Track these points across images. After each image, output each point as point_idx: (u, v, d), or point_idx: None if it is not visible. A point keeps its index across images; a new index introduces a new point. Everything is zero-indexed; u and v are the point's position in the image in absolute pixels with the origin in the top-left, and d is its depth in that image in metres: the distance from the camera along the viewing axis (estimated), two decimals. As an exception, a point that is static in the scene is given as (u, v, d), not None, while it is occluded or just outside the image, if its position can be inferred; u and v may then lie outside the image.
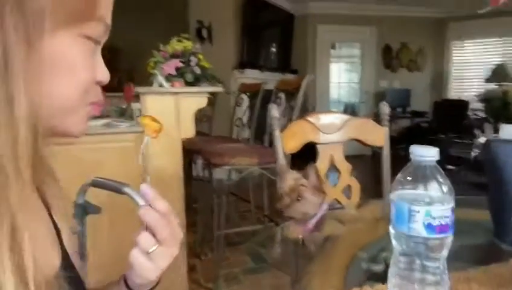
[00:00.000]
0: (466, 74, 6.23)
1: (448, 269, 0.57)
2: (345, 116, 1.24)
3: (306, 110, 5.25)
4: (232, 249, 2.39)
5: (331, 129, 1.21)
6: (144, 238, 0.42)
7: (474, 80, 6.05)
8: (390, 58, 6.28)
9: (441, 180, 0.43)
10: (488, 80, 4.84)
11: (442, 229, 0.42)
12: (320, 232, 0.97)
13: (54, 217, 0.46)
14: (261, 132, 2.45)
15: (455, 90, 6.30)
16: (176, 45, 2.17)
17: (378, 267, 0.60)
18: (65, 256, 0.45)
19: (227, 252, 2.34)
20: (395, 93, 6.20)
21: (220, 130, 3.23)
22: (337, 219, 1.11)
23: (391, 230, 0.46)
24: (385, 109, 1.27)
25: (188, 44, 2.17)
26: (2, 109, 0.32)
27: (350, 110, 6.30)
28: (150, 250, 0.42)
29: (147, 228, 0.42)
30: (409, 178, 0.45)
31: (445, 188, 0.43)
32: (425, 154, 0.44)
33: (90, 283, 0.52)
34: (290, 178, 1.00)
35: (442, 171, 0.44)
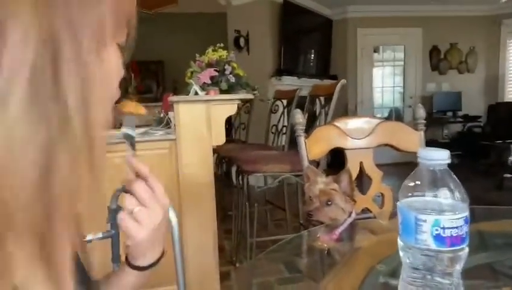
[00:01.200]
0: (524, 74, 5.73)
1: (481, 287, 0.51)
2: (375, 120, 1.18)
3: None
4: (266, 257, 2.36)
5: (359, 134, 1.15)
6: (128, 200, 0.46)
7: (534, 81, 5.55)
8: (438, 60, 5.95)
9: (452, 186, 0.39)
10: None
11: (453, 241, 0.38)
12: (347, 241, 0.93)
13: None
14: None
15: (511, 93, 5.81)
16: (211, 54, 2.23)
17: (395, 282, 0.55)
18: (76, 258, 0.46)
19: (262, 260, 2.31)
20: (444, 96, 5.86)
21: (256, 137, 3.23)
22: (368, 229, 1.05)
23: (399, 241, 0.42)
24: (420, 112, 1.19)
25: (223, 53, 2.21)
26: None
27: (395, 115, 6.05)
28: (135, 209, 0.46)
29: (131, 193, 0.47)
30: (417, 184, 0.41)
31: (457, 195, 0.39)
32: (436, 157, 0.39)
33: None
34: (321, 182, 0.97)
35: (454, 176, 0.39)
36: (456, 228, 0.37)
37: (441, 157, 0.39)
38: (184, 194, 1.70)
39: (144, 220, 0.46)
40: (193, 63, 2.24)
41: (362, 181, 1.18)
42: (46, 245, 0.30)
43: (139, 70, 4.43)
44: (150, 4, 2.96)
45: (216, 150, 2.38)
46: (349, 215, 0.95)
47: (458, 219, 0.37)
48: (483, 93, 5.99)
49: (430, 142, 5.76)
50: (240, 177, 2.23)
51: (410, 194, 0.41)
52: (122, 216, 0.46)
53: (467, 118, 5.68)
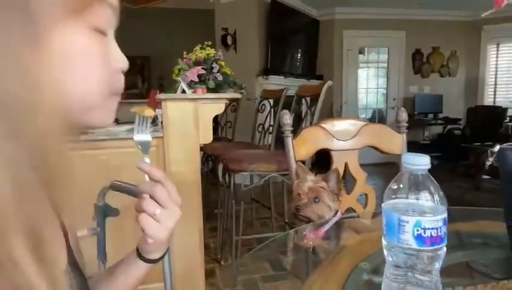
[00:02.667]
0: (502, 79, 5.93)
1: (458, 284, 0.55)
2: (360, 123, 1.21)
3: (331, 117, 5.19)
4: (251, 255, 2.38)
5: (345, 136, 1.19)
6: (149, 204, 0.49)
7: (511, 86, 5.75)
8: (420, 63, 6.09)
9: (433, 189, 0.42)
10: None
11: (433, 240, 0.40)
12: (332, 240, 0.96)
13: (63, 219, 0.48)
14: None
15: (490, 96, 6.01)
16: (199, 52, 2.22)
17: (379, 279, 0.58)
18: (71, 257, 0.46)
19: (247, 258, 2.34)
20: (425, 99, 6.01)
21: (243, 135, 3.25)
22: (352, 228, 1.09)
23: (383, 241, 0.45)
24: (403, 115, 1.24)
25: (211, 51, 2.21)
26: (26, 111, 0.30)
27: (378, 116, 6.16)
28: (156, 212, 0.48)
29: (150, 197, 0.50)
30: (401, 187, 0.43)
31: (437, 198, 0.41)
32: (418, 162, 0.42)
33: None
34: (310, 179, 1.00)
35: (434, 180, 0.42)
36: (436, 228, 0.40)
37: (422, 162, 0.41)
38: (171, 192, 1.71)
39: (165, 221, 0.49)
40: (181, 61, 2.24)
41: (346, 181, 1.21)
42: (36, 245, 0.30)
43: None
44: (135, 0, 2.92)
45: (202, 148, 2.39)
46: (335, 214, 0.98)
47: (438, 220, 0.40)
48: (464, 96, 6.17)
49: (412, 144, 5.86)
50: (226, 175, 2.25)
51: (393, 196, 0.43)
52: (144, 218, 0.49)
53: (447, 120, 5.84)
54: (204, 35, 2.58)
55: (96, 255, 1.15)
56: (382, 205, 0.44)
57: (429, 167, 0.42)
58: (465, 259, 0.70)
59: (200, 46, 2.24)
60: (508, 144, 0.67)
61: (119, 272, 0.56)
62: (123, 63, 0.42)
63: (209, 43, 2.26)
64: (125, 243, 1.66)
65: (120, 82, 0.42)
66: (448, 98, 5.98)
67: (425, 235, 0.40)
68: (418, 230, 0.40)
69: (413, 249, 0.41)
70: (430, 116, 5.98)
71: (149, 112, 0.52)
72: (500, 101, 5.76)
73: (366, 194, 1.21)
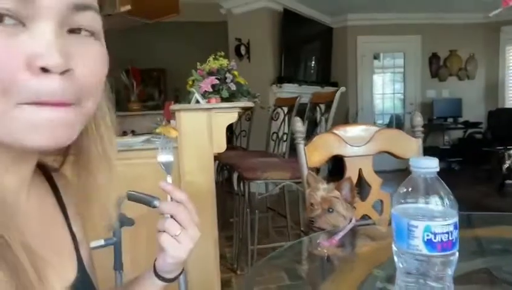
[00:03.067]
0: (524, 80, 5.75)
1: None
2: (374, 128, 1.19)
3: (347, 123, 5.14)
4: (268, 264, 2.36)
5: (358, 142, 1.17)
6: (171, 224, 0.50)
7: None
8: (437, 66, 5.99)
9: (442, 193, 0.40)
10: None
11: (444, 246, 0.39)
12: (346, 247, 0.94)
13: (74, 229, 0.49)
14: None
15: (512, 99, 5.83)
16: (213, 63, 2.26)
17: (392, 287, 0.57)
18: (82, 268, 0.47)
19: (263, 267, 2.32)
20: (444, 103, 5.88)
21: (257, 144, 3.25)
22: (367, 235, 1.07)
23: (393, 247, 0.43)
24: (418, 119, 1.21)
25: (224, 62, 2.24)
26: None
27: (396, 121, 6.07)
28: (177, 233, 0.49)
29: (171, 217, 0.50)
30: (409, 191, 0.42)
31: (447, 202, 0.40)
32: (426, 165, 0.41)
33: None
34: (323, 188, 0.99)
35: (444, 183, 0.41)
36: (447, 233, 0.39)
37: (430, 165, 0.40)
38: (185, 201, 1.72)
39: (186, 241, 0.50)
40: (194, 72, 2.27)
41: (361, 188, 1.20)
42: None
43: (141, 78, 4.49)
44: (151, 14, 3.00)
45: (217, 157, 2.40)
46: (350, 222, 0.97)
47: (448, 224, 0.39)
48: (484, 99, 6.01)
49: (431, 149, 5.78)
50: (241, 184, 2.25)
51: (403, 201, 0.42)
52: (166, 238, 0.50)
53: (468, 124, 5.69)
54: (218, 47, 2.61)
55: (113, 265, 1.17)
56: (391, 210, 0.44)
57: (438, 169, 0.41)
58: (485, 265, 0.67)
59: (214, 56, 2.28)
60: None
61: (133, 289, 0.56)
62: (46, 59, 0.31)
63: (222, 53, 2.29)
64: (141, 253, 1.68)
65: (29, 89, 0.31)
66: (468, 101, 5.84)
67: (435, 241, 0.39)
68: (428, 235, 0.39)
69: (424, 255, 0.40)
70: (450, 120, 5.84)
71: (174, 133, 0.53)
72: (523, 104, 5.58)
73: (381, 201, 1.19)
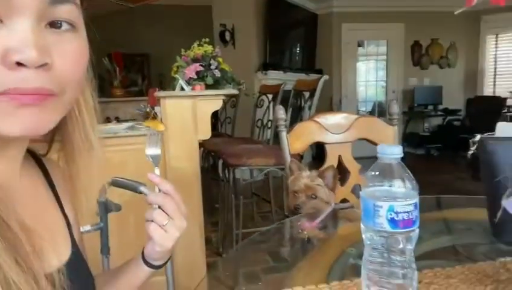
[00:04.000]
0: (502, 69, 5.92)
1: (436, 266, 0.58)
2: (353, 116, 1.24)
3: (331, 110, 5.21)
4: (253, 248, 2.43)
5: (338, 129, 1.22)
6: (159, 214, 0.52)
7: (510, 76, 5.74)
8: (419, 55, 6.09)
9: (405, 177, 0.45)
10: (525, 75, 4.58)
11: (405, 223, 0.44)
12: (326, 229, 1.00)
13: (67, 212, 0.51)
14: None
15: (490, 87, 6.01)
16: (197, 49, 2.25)
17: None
18: (75, 247, 0.49)
19: (249, 251, 2.38)
20: (425, 90, 6.01)
21: (242, 131, 3.28)
22: (346, 218, 1.12)
23: (361, 225, 0.48)
24: (394, 107, 1.27)
25: (208, 48, 2.24)
26: None
27: (378, 109, 6.18)
28: (165, 223, 0.52)
29: (159, 207, 0.52)
30: (376, 175, 0.47)
31: (409, 185, 0.45)
32: (391, 152, 0.45)
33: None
34: (306, 176, 1.04)
35: (406, 168, 0.45)
36: (407, 212, 0.44)
37: (395, 152, 0.45)
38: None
39: (172, 231, 0.52)
40: (179, 58, 2.26)
41: (341, 173, 1.25)
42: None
43: (124, 63, 4.40)
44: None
45: (202, 144, 2.42)
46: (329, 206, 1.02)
47: (409, 204, 0.44)
48: (463, 87, 6.17)
49: (412, 135, 5.93)
50: (226, 170, 2.29)
51: (371, 184, 0.47)
52: (153, 228, 0.52)
53: (447, 112, 5.86)
54: (203, 32, 2.60)
55: (100, 249, 1.20)
56: (360, 192, 0.48)
57: (401, 155, 0.45)
58: (450, 243, 0.74)
59: (198, 43, 2.27)
60: (488, 133, 0.70)
61: (122, 274, 0.59)
62: (22, 54, 0.33)
63: (207, 40, 2.29)
64: (127, 238, 1.71)
65: (7, 79, 0.33)
66: (448, 89, 5.98)
67: (397, 219, 0.44)
68: (391, 214, 0.44)
69: (387, 231, 0.44)
70: (430, 107, 5.99)
71: (161, 127, 0.55)
72: (500, 92, 5.76)
73: (359, 185, 1.24)
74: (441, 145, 5.65)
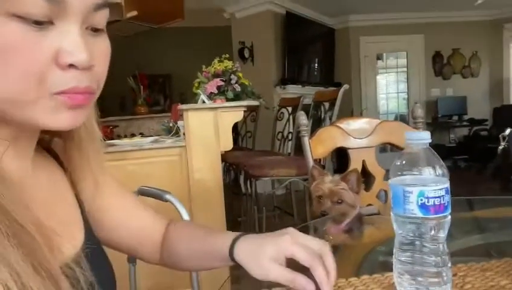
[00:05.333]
0: (528, 76, 5.74)
1: (470, 262, 0.56)
2: (376, 121, 1.23)
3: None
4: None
5: (361, 134, 1.21)
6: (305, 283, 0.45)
7: (538, 83, 5.56)
8: (441, 65, 6.00)
9: (434, 162, 0.45)
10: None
11: (437, 209, 0.43)
12: (352, 233, 0.98)
13: (83, 196, 0.52)
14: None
15: (517, 95, 5.82)
16: (217, 65, 2.31)
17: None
18: (89, 234, 0.50)
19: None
20: (449, 101, 5.88)
21: (263, 144, 3.30)
22: (372, 223, 1.10)
23: (391, 215, 0.48)
24: (418, 111, 1.25)
25: (228, 64, 2.30)
26: None
27: (401, 121, 6.06)
28: None
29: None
30: (404, 163, 0.46)
31: (439, 170, 0.44)
32: (419, 137, 0.45)
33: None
34: (329, 181, 1.03)
35: (436, 153, 0.45)
36: (439, 197, 0.43)
37: (423, 137, 0.45)
38: (195, 199, 1.77)
39: None
40: (200, 74, 2.33)
41: (365, 178, 1.23)
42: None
43: (147, 83, 4.56)
44: (156, 19, 3.07)
45: (223, 158, 2.45)
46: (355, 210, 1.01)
47: (440, 189, 0.43)
48: (488, 96, 6.01)
49: (437, 147, 5.77)
50: (248, 182, 2.29)
51: (399, 173, 0.46)
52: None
53: (473, 122, 5.69)
54: (223, 51, 2.67)
55: (127, 258, 1.22)
56: (389, 181, 0.48)
57: (430, 141, 0.45)
58: (483, 241, 0.71)
59: (218, 59, 2.33)
60: (517, 127, 0.68)
61: (207, 246, 0.56)
62: (75, 57, 0.36)
63: (227, 56, 2.35)
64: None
65: (61, 80, 0.36)
66: (473, 99, 5.84)
67: (428, 204, 0.43)
68: (421, 199, 0.43)
69: (418, 217, 0.44)
70: (455, 118, 5.84)
71: None
72: (528, 100, 5.57)
73: (385, 191, 1.22)
74: (467, 157, 5.47)
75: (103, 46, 0.41)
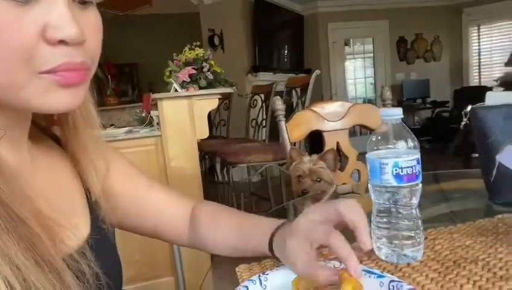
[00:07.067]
0: (485, 60, 6.07)
1: (438, 227, 0.62)
2: (348, 104, 1.29)
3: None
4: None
5: (335, 117, 1.26)
6: None
7: (494, 66, 5.89)
8: (405, 50, 6.22)
9: (406, 136, 0.49)
10: (507, 64, 4.71)
11: (409, 178, 0.48)
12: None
13: (88, 185, 0.50)
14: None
15: (476, 78, 6.15)
16: (188, 53, 2.29)
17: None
18: (95, 223, 0.48)
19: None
20: (413, 84, 6.13)
21: (237, 132, 3.32)
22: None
23: (369, 185, 0.52)
24: (387, 94, 1.31)
25: (200, 51, 2.28)
26: None
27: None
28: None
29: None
30: (380, 138, 0.50)
31: (411, 143, 0.49)
32: (392, 113, 0.49)
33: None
34: (308, 161, 1.08)
35: (407, 127, 0.49)
36: (411, 167, 0.47)
37: (396, 113, 0.49)
38: (173, 186, 1.77)
39: None
40: (171, 63, 2.30)
41: (340, 159, 1.29)
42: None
43: (114, 73, 4.41)
44: (123, 6, 2.96)
45: (199, 147, 2.45)
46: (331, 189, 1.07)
47: (412, 159, 0.47)
48: (450, 79, 6.30)
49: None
50: (225, 169, 2.31)
51: (375, 147, 0.51)
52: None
53: (436, 104, 5.97)
54: (191, 39, 2.64)
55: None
56: (366, 155, 0.52)
57: (402, 116, 0.49)
58: (449, 209, 0.78)
59: (189, 46, 2.31)
60: (479, 104, 0.74)
61: (245, 241, 0.54)
62: (64, 32, 0.33)
63: (198, 43, 2.33)
64: (134, 239, 1.72)
65: (50, 57, 0.33)
66: (435, 82, 6.11)
67: (402, 174, 0.47)
68: (396, 170, 0.47)
69: (393, 186, 0.48)
70: (419, 101, 6.10)
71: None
72: (486, 81, 5.89)
73: (358, 170, 1.29)
74: (431, 138, 5.75)
75: (94, 19, 0.38)
